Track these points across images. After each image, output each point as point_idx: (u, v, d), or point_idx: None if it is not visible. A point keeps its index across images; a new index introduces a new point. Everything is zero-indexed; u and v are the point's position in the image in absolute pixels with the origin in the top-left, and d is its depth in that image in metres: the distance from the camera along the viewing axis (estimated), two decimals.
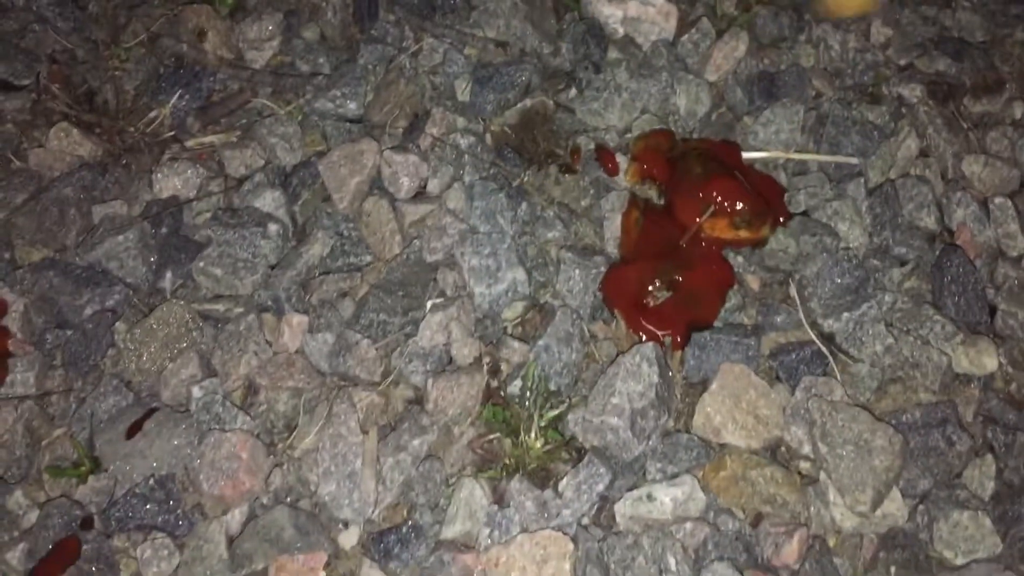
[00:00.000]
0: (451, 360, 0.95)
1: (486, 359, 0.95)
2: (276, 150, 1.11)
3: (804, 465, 0.89)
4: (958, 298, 0.96)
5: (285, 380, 0.94)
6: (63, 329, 0.99)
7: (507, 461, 0.89)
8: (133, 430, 0.91)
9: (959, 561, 0.83)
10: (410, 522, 0.86)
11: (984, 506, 0.85)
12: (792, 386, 0.92)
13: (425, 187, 1.07)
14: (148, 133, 1.14)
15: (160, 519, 0.87)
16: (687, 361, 0.94)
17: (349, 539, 0.86)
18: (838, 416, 0.86)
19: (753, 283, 1.01)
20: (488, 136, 1.11)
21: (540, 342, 0.93)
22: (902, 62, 1.19)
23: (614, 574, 0.83)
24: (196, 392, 0.92)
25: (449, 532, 0.85)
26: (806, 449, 0.88)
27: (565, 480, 0.86)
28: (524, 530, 0.84)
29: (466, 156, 1.07)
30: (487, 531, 0.84)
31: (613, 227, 1.03)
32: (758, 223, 1.01)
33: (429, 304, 0.98)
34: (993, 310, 0.97)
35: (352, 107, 1.14)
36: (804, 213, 1.04)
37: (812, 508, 0.86)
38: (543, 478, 0.88)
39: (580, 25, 1.18)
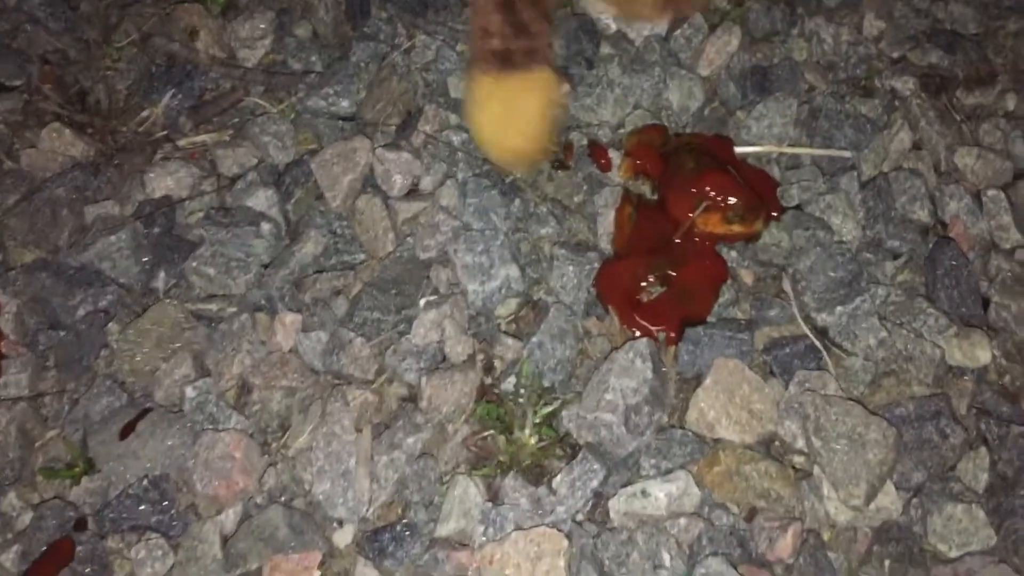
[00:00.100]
0: (445, 358, 0.95)
1: (480, 356, 0.95)
2: (269, 149, 1.11)
3: (798, 459, 0.89)
4: (951, 291, 0.96)
5: (279, 379, 0.94)
6: (56, 330, 0.99)
7: (501, 458, 0.89)
8: (126, 431, 0.90)
9: (953, 554, 0.83)
10: (404, 520, 0.86)
11: (978, 499, 0.85)
12: (786, 380, 0.92)
13: (418, 184, 1.07)
14: (140, 133, 1.14)
15: (154, 520, 0.87)
16: (681, 356, 0.94)
17: (343, 538, 0.86)
18: (831, 410, 0.86)
19: (747, 278, 1.01)
20: None
21: (534, 339, 0.93)
22: (895, 55, 1.19)
23: (608, 570, 0.83)
24: (189, 392, 0.92)
25: (443, 530, 0.85)
26: (800, 443, 0.88)
27: (559, 477, 0.86)
28: (518, 527, 0.84)
29: (459, 153, 1.07)
30: (481, 528, 0.84)
31: (606, 223, 1.03)
32: (751, 218, 1.00)
33: (422, 302, 0.98)
34: (986, 302, 0.97)
35: (345, 105, 1.14)
36: (797, 207, 1.04)
37: (806, 502, 0.86)
38: (537, 475, 0.88)
39: (572, 21, 1.18)
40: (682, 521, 0.84)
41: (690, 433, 0.89)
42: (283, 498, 0.89)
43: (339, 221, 1.05)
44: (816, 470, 0.86)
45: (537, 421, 0.90)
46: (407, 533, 0.85)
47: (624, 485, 0.86)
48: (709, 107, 1.14)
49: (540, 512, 0.85)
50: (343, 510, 0.87)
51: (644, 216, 1.03)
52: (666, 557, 0.82)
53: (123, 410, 0.93)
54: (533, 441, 0.89)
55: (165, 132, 1.14)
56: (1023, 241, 1.02)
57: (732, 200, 1.00)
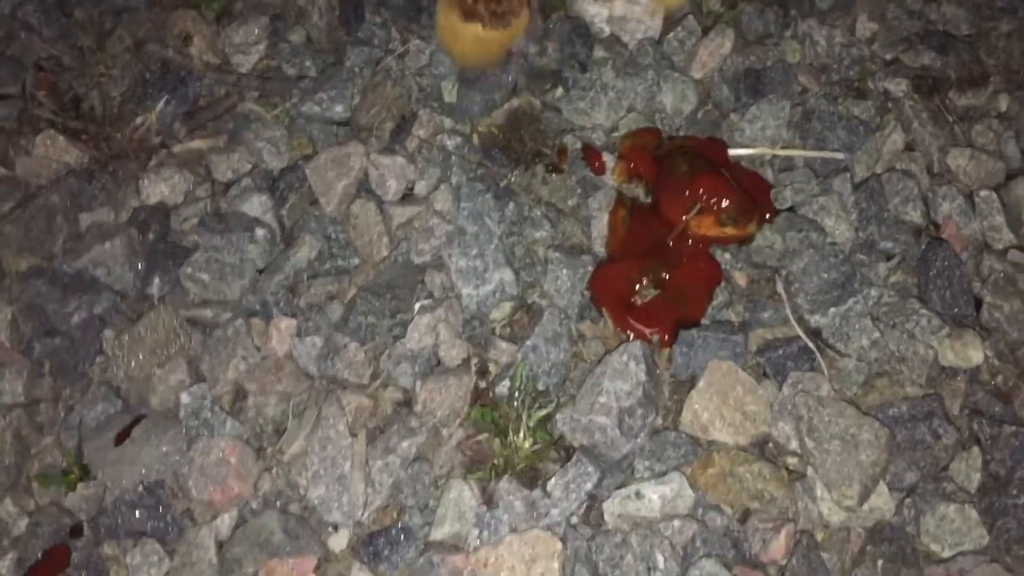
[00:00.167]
0: (439, 362, 0.95)
1: (474, 360, 0.95)
2: (263, 154, 1.11)
3: (791, 460, 0.89)
4: (944, 292, 0.97)
5: (274, 384, 0.94)
6: (51, 337, 0.99)
7: (496, 462, 0.89)
8: (122, 437, 0.91)
9: (946, 554, 0.83)
10: (399, 524, 0.87)
11: (971, 499, 0.85)
12: (779, 382, 0.92)
13: (412, 189, 1.08)
14: (135, 139, 1.14)
15: (150, 525, 0.88)
16: (675, 359, 0.94)
17: (339, 542, 0.87)
18: (824, 411, 0.87)
19: (740, 280, 1.01)
20: (475, 137, 1.12)
21: (528, 342, 0.94)
22: (888, 56, 1.19)
23: (603, 572, 0.83)
24: (184, 398, 0.92)
25: (438, 533, 0.85)
26: (793, 444, 0.89)
27: (553, 480, 0.86)
28: (513, 530, 0.84)
29: (453, 157, 1.08)
30: (476, 532, 0.84)
31: (600, 226, 1.03)
32: (744, 220, 1.01)
33: (417, 306, 0.98)
34: (979, 303, 0.97)
35: (339, 110, 1.15)
36: (791, 209, 1.04)
37: (800, 503, 0.86)
38: (532, 478, 0.88)
39: (566, 24, 1.18)
40: (676, 523, 0.84)
41: (684, 435, 0.89)
42: (278, 503, 0.89)
43: (333, 226, 1.05)
44: (809, 471, 0.86)
45: (531, 424, 0.90)
46: (402, 537, 0.86)
47: (618, 487, 0.86)
48: (702, 110, 1.14)
49: (534, 515, 0.85)
50: (338, 514, 0.87)
51: (638, 219, 1.03)
52: (660, 559, 0.82)
53: (118, 416, 0.94)
54: (527, 444, 0.89)
55: (159, 138, 1.15)
56: (1016, 242, 1.03)
57: (725, 203, 1.00)
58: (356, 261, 1.04)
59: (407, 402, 0.93)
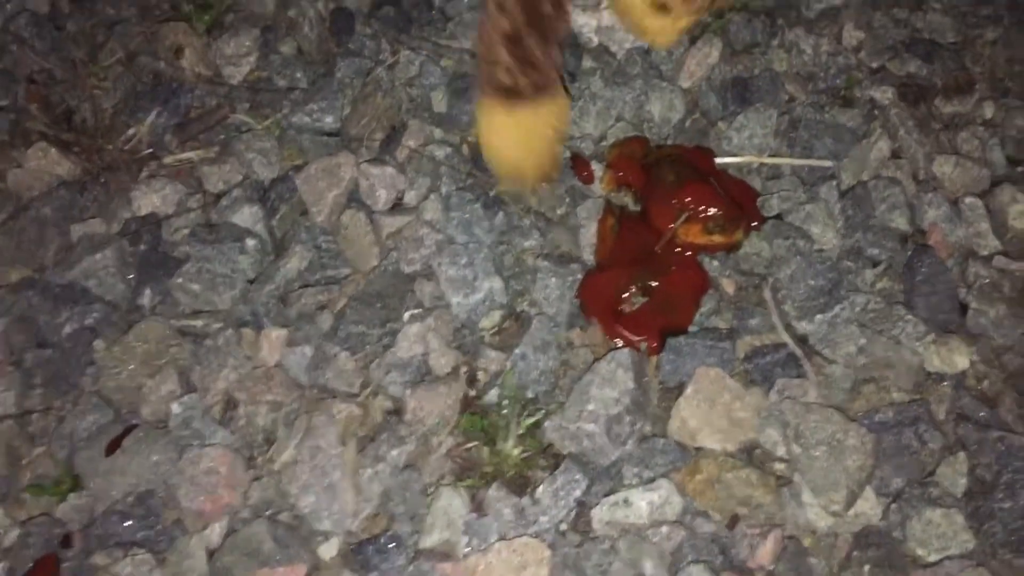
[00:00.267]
0: (429, 370, 0.95)
1: (463, 368, 0.95)
2: (254, 165, 1.12)
3: (779, 467, 0.89)
4: (929, 298, 0.97)
5: (264, 394, 0.94)
6: (42, 348, 1.00)
7: (485, 469, 0.90)
8: (112, 447, 0.91)
9: (932, 558, 0.83)
10: (389, 532, 0.87)
11: (957, 503, 0.86)
12: (767, 388, 0.92)
13: (402, 199, 1.08)
14: (126, 151, 1.15)
15: (140, 535, 0.88)
16: (663, 366, 0.95)
17: (329, 551, 0.87)
18: (811, 417, 0.87)
19: (728, 287, 1.02)
20: (465, 147, 1.12)
21: (517, 350, 0.94)
22: (874, 65, 1.20)
23: None
24: (175, 408, 0.93)
25: (428, 541, 0.86)
26: (781, 451, 0.89)
27: (542, 487, 0.86)
28: (502, 538, 0.84)
29: (443, 167, 1.08)
30: (465, 539, 0.85)
31: (589, 235, 1.04)
32: (731, 228, 1.01)
33: (407, 315, 0.99)
34: (964, 309, 0.98)
35: (329, 121, 1.15)
36: (778, 217, 1.05)
37: (787, 509, 0.86)
38: (521, 485, 0.88)
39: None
40: (664, 529, 0.85)
41: (672, 442, 0.90)
42: (268, 512, 0.89)
43: (324, 236, 1.06)
44: (796, 477, 0.87)
45: (520, 432, 0.90)
46: (392, 545, 0.86)
47: (607, 494, 0.87)
48: (690, 119, 1.15)
49: (523, 522, 0.85)
50: (328, 523, 0.87)
51: (626, 227, 1.04)
52: (648, 565, 0.82)
53: (109, 427, 0.94)
54: (516, 452, 0.90)
55: (151, 150, 1.15)
56: (1001, 248, 1.03)
57: (712, 211, 1.01)
58: (346, 271, 1.04)
59: (397, 411, 0.94)
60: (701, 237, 1.01)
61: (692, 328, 0.97)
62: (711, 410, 0.90)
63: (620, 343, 0.96)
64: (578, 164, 1.09)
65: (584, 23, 1.20)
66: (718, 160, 1.09)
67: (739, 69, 1.18)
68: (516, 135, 0.99)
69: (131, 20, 1.27)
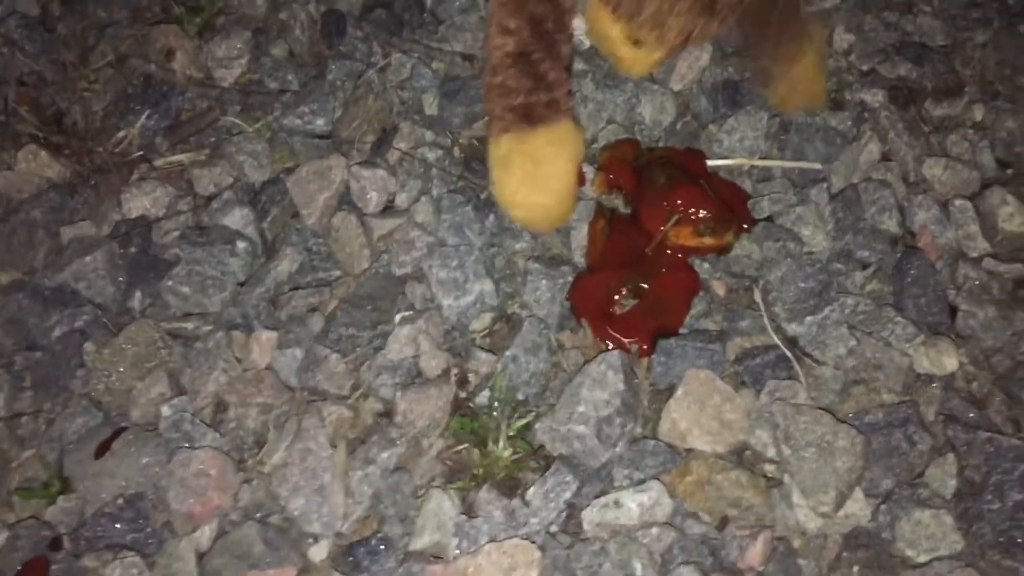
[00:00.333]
0: (420, 372, 0.95)
1: (454, 371, 0.95)
2: (245, 167, 1.12)
3: (769, 468, 0.89)
4: (919, 299, 0.98)
5: (254, 396, 0.94)
6: (32, 351, 0.99)
7: (476, 471, 0.90)
8: (102, 450, 0.91)
9: (921, 559, 0.84)
10: (379, 535, 0.87)
11: (946, 504, 0.86)
12: (757, 390, 0.93)
13: (393, 201, 1.08)
14: (117, 153, 1.14)
15: (130, 538, 0.88)
16: (653, 368, 0.95)
17: (319, 553, 0.87)
18: (801, 419, 0.87)
19: (719, 289, 1.02)
20: (456, 149, 1.12)
21: (508, 352, 0.94)
22: (864, 68, 1.21)
23: None
24: (165, 410, 0.93)
25: (418, 543, 0.86)
26: (771, 452, 0.89)
27: (532, 489, 0.86)
28: (492, 539, 0.84)
29: (434, 169, 1.08)
30: (456, 541, 0.85)
31: (580, 237, 1.04)
32: (722, 230, 1.02)
33: (398, 317, 0.99)
34: (954, 310, 0.98)
35: (320, 123, 1.15)
36: (768, 219, 1.05)
37: (777, 510, 0.87)
38: (511, 487, 0.88)
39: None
40: (654, 531, 0.85)
41: (662, 443, 0.90)
42: (258, 514, 0.89)
43: (315, 238, 1.06)
44: (786, 478, 0.87)
45: (511, 434, 0.90)
46: (382, 547, 0.86)
47: (597, 496, 0.87)
48: (681, 121, 1.15)
49: (514, 524, 0.85)
50: (318, 525, 0.87)
51: (617, 230, 1.04)
52: (638, 567, 0.82)
53: (99, 429, 0.94)
54: (507, 454, 0.89)
55: (141, 152, 1.15)
56: (990, 250, 1.04)
57: (703, 213, 1.01)
58: (337, 273, 1.04)
59: (387, 413, 0.94)
60: (692, 239, 1.01)
61: (683, 330, 0.97)
62: (701, 412, 0.90)
63: (611, 345, 0.96)
64: None
65: (576, 26, 1.19)
66: (709, 162, 1.10)
67: (730, 72, 1.18)
68: (531, 166, 0.94)
69: (122, 22, 1.27)
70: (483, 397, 0.93)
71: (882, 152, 1.11)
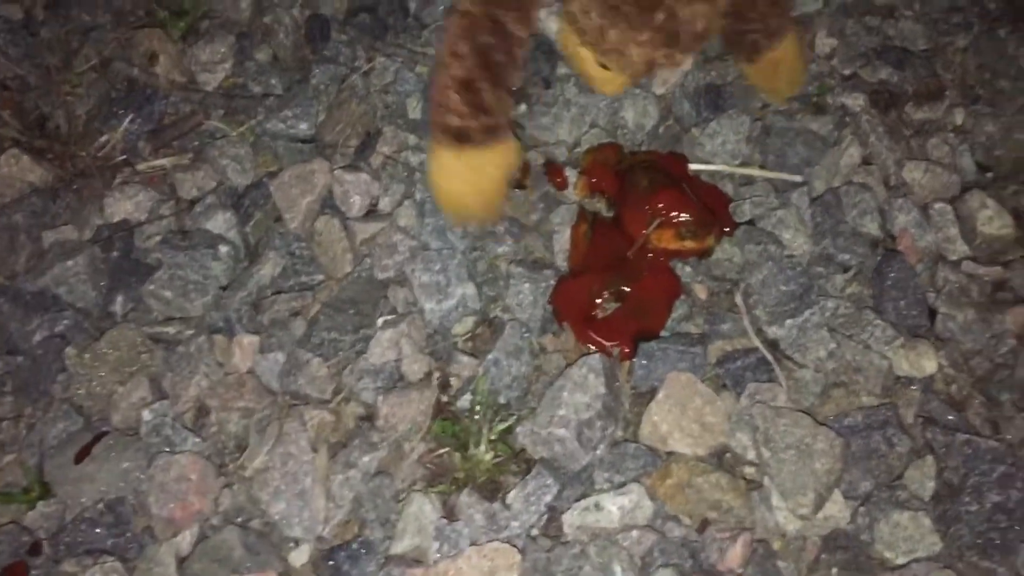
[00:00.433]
0: (401, 376, 0.96)
1: (436, 374, 0.95)
2: (228, 172, 1.12)
3: (749, 471, 0.90)
4: (898, 302, 0.98)
5: (236, 400, 0.94)
6: (13, 355, 0.99)
7: (457, 475, 0.90)
8: (82, 454, 0.91)
9: (899, 561, 0.84)
10: (360, 539, 0.87)
11: (924, 506, 0.86)
12: (738, 393, 0.93)
13: (376, 205, 1.08)
14: (100, 157, 1.14)
15: (110, 543, 0.87)
16: (635, 371, 0.95)
17: (300, 557, 0.87)
18: (780, 421, 0.88)
19: (700, 292, 1.02)
20: None
21: (490, 356, 0.94)
22: (846, 72, 1.21)
23: None
24: (146, 415, 0.92)
25: (399, 547, 0.86)
26: (751, 455, 0.90)
27: (513, 492, 0.87)
28: (473, 543, 0.84)
29: (417, 174, 1.08)
30: (436, 545, 0.85)
31: (563, 241, 1.04)
32: (703, 233, 1.02)
33: (380, 321, 0.99)
34: (933, 313, 0.99)
35: (304, 127, 1.15)
36: (749, 222, 1.05)
37: (757, 512, 0.87)
38: (492, 491, 0.88)
39: (530, 41, 1.19)
40: (635, 534, 0.85)
41: (643, 446, 0.90)
42: (239, 519, 0.89)
43: (298, 242, 1.06)
44: (766, 481, 0.87)
45: (492, 438, 0.90)
46: (363, 551, 0.86)
47: (578, 499, 0.87)
48: (664, 125, 1.16)
49: (495, 527, 0.85)
50: (299, 530, 0.87)
51: (599, 233, 1.04)
52: (618, 569, 0.82)
53: (79, 434, 0.93)
54: (488, 457, 0.90)
55: (124, 156, 1.15)
56: (969, 253, 1.04)
57: (684, 216, 1.01)
58: (320, 277, 1.04)
59: (369, 417, 0.94)
60: (674, 243, 1.02)
61: (664, 333, 0.98)
62: (682, 415, 0.90)
63: (592, 348, 0.96)
64: (552, 170, 1.10)
65: (559, 30, 1.20)
66: (691, 166, 1.10)
67: (712, 76, 1.19)
68: (463, 176, 0.97)
69: (105, 26, 1.27)
70: (465, 401, 0.93)
71: (863, 156, 1.11)
